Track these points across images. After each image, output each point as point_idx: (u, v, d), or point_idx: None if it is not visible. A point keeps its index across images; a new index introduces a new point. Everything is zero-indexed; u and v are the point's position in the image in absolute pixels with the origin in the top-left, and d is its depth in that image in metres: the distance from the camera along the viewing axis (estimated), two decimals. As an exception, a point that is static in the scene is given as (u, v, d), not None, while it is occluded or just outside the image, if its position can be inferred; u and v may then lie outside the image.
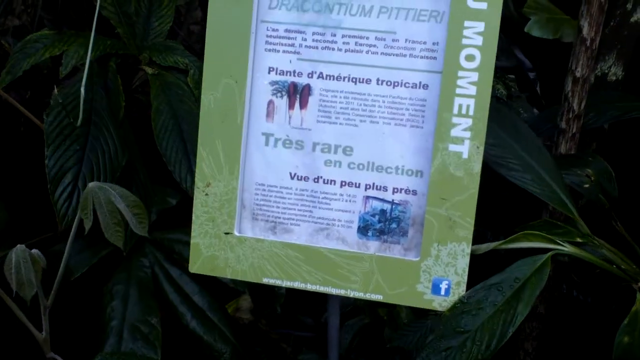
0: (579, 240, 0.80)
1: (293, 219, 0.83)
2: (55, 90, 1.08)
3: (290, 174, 0.82)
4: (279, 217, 0.83)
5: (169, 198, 1.20)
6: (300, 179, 0.82)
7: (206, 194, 0.82)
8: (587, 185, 0.90)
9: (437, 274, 0.78)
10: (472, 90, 0.75)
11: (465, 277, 0.77)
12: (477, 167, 0.76)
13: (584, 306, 0.91)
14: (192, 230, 0.83)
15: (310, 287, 0.81)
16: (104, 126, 1.08)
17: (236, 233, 0.83)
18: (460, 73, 0.75)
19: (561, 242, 0.79)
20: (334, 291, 0.81)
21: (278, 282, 0.82)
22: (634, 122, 1.09)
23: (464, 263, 0.77)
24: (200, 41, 1.71)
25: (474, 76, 0.75)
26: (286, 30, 0.81)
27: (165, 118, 1.14)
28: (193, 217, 0.83)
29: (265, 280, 0.82)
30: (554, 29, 1.29)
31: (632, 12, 1.21)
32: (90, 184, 0.89)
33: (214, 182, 0.82)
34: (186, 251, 1.09)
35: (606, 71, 1.22)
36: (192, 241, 0.83)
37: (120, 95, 1.16)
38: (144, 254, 1.15)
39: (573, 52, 1.04)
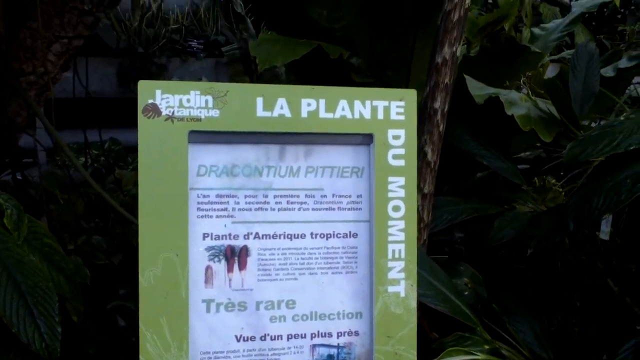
0: (486, 347, 0.94)
1: (244, 381, 0.82)
2: None
3: (236, 336, 0.82)
4: (229, 383, 0.82)
5: (18, 366, 1.06)
6: (247, 340, 0.82)
7: (153, 376, 0.77)
8: (467, 292, 1.06)
9: (391, 406, 0.84)
10: (402, 236, 0.85)
11: (415, 403, 0.85)
12: (414, 303, 0.85)
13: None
14: (141, 418, 0.77)
15: None
16: None
17: (190, 411, 0.79)
18: (390, 222, 0.84)
19: (475, 352, 0.92)
20: None
21: None
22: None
23: (412, 391, 0.85)
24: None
25: (401, 224, 0.85)
26: (218, 196, 0.82)
27: (-6, 272, 1.02)
28: (140, 404, 0.77)
29: None
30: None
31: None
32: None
33: (162, 361, 0.77)
34: None
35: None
36: None
37: None
38: None
39: (420, 172, 1.22)
